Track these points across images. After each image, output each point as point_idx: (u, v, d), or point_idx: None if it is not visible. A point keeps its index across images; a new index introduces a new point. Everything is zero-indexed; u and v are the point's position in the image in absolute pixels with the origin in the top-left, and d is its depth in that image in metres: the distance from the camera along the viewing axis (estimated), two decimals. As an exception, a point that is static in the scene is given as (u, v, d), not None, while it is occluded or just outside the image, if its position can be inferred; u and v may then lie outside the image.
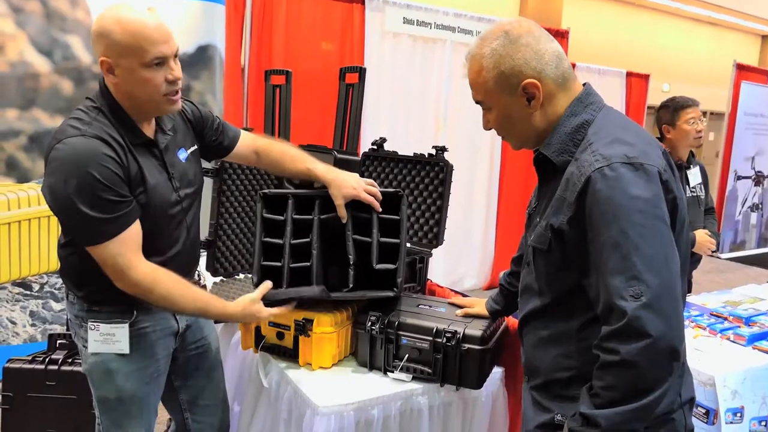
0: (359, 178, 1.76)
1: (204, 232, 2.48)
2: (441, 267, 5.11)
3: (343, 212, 1.71)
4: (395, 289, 1.65)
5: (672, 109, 2.74)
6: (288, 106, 2.91)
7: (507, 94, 1.17)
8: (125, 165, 1.45)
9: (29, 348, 2.90)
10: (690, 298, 2.54)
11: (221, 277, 2.46)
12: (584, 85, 1.22)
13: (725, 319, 2.27)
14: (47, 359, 2.09)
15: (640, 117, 7.51)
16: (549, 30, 4.48)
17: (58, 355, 2.10)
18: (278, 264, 1.68)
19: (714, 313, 2.33)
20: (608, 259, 1.03)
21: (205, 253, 2.42)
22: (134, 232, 1.47)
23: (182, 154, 1.64)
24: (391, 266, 1.68)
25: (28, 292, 3.17)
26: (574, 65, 6.86)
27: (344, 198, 1.70)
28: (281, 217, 1.74)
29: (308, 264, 1.68)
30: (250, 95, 3.88)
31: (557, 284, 1.18)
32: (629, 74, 7.40)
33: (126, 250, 1.44)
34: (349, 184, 1.72)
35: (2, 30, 2.90)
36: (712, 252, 2.78)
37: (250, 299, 1.61)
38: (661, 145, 1.16)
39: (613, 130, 1.13)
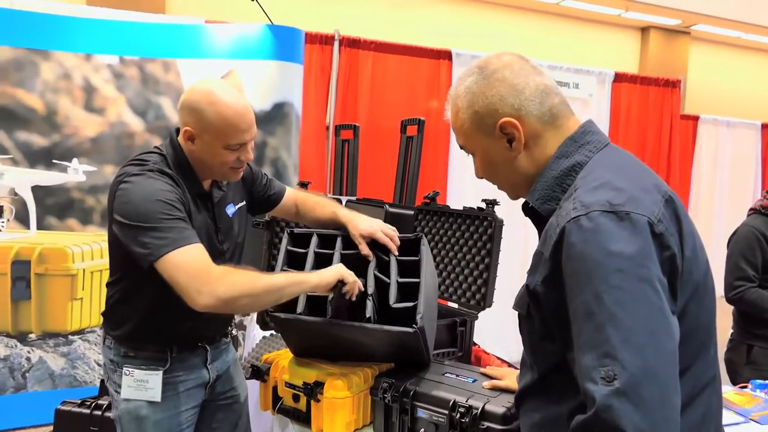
0: (380, 222, 1.74)
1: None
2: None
3: (366, 249, 1.68)
4: (414, 326, 1.52)
5: None
6: (355, 159, 2.90)
7: (485, 136, 1.03)
8: (184, 201, 1.54)
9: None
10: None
11: (271, 332, 2.42)
12: (586, 122, 1.04)
13: None
14: (94, 404, 2.14)
15: (779, 172, 6.72)
16: (659, 80, 4.16)
17: (104, 401, 2.15)
18: None
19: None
20: (580, 331, 0.83)
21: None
22: (202, 248, 1.48)
23: (230, 209, 1.71)
24: (408, 304, 1.57)
25: (114, 337, 3.33)
26: (697, 118, 6.38)
27: (362, 236, 1.69)
28: (304, 250, 1.73)
29: (325, 295, 1.61)
30: (334, 153, 3.93)
31: (542, 357, 0.98)
32: (765, 126, 6.71)
33: (199, 257, 1.45)
34: (366, 224, 1.72)
35: (105, 95, 3.20)
36: None
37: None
38: (668, 190, 0.93)
39: (604, 173, 0.93)
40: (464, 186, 4.24)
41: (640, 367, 0.78)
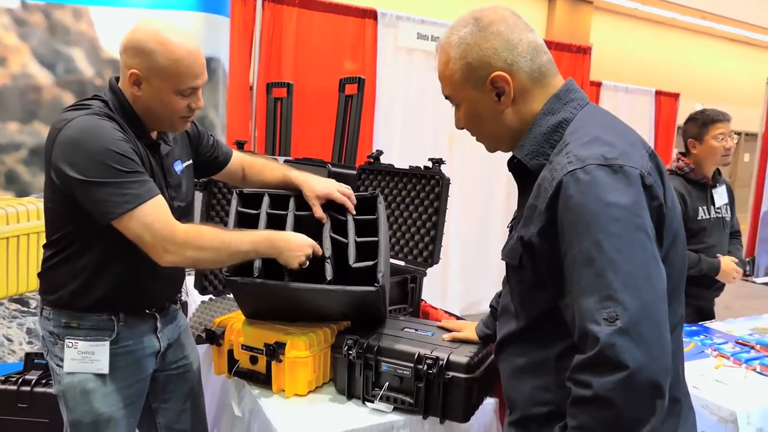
0: (335, 182, 1.72)
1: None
2: (457, 289, 4.93)
3: (319, 212, 1.66)
4: (376, 284, 1.53)
5: (700, 123, 2.53)
6: (289, 118, 2.83)
7: (474, 89, 1.04)
8: (136, 146, 1.44)
9: (21, 367, 2.82)
10: (714, 325, 2.35)
11: (210, 296, 2.35)
12: (568, 81, 1.08)
13: (752, 347, 2.06)
14: (20, 380, 2.00)
15: (669, 137, 7.28)
16: (571, 46, 4.31)
17: (32, 376, 2.01)
18: None
19: (740, 341, 2.12)
20: (580, 276, 0.88)
21: (193, 270, 2.32)
22: (162, 200, 1.42)
23: (178, 166, 1.62)
24: (369, 263, 1.58)
25: (26, 309, 3.10)
26: (600, 84, 6.74)
27: (317, 198, 1.67)
28: (255, 211, 1.68)
29: None
30: (258, 112, 3.81)
31: (531, 305, 1.03)
32: (658, 93, 7.20)
33: (162, 214, 1.40)
34: (321, 185, 1.69)
35: (5, 43, 2.88)
36: (746, 277, 2.56)
37: (304, 236, 1.56)
38: (650, 146, 1.01)
39: (592, 129, 0.98)
40: (390, 146, 4.26)
41: (639, 307, 0.84)
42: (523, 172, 1.06)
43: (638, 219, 0.88)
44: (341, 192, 1.69)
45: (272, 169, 1.80)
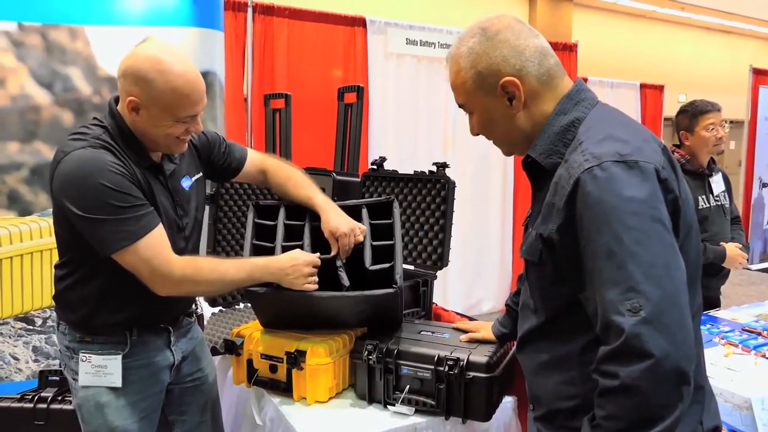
0: (353, 225, 1.67)
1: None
2: (457, 291, 4.96)
3: (334, 249, 1.64)
4: (394, 286, 1.56)
5: (690, 115, 2.58)
6: (288, 129, 2.86)
7: (486, 95, 1.08)
8: (134, 175, 1.44)
9: (32, 384, 2.82)
10: (719, 313, 2.40)
11: (220, 308, 2.37)
12: (577, 81, 1.12)
13: (759, 334, 2.11)
14: (36, 397, 2.01)
15: (656, 129, 7.36)
16: (557, 44, 4.36)
17: (48, 393, 2.02)
18: None
19: (746, 328, 2.17)
20: (602, 270, 0.91)
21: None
22: (161, 233, 1.44)
23: (186, 182, 1.62)
24: (385, 266, 1.61)
25: (31, 327, 3.10)
26: (585, 80, 6.81)
27: (329, 232, 1.65)
28: (273, 222, 1.71)
29: None
30: (254, 123, 3.83)
31: (552, 300, 1.06)
32: (643, 86, 7.29)
33: (160, 250, 1.42)
34: (335, 221, 1.66)
35: (3, 64, 2.89)
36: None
37: (297, 250, 1.60)
38: (661, 141, 1.05)
39: (605, 127, 1.02)
40: (386, 152, 4.27)
41: (661, 297, 0.87)
42: (537, 171, 1.10)
43: (655, 211, 0.91)
44: (353, 239, 1.65)
45: (295, 184, 1.77)
